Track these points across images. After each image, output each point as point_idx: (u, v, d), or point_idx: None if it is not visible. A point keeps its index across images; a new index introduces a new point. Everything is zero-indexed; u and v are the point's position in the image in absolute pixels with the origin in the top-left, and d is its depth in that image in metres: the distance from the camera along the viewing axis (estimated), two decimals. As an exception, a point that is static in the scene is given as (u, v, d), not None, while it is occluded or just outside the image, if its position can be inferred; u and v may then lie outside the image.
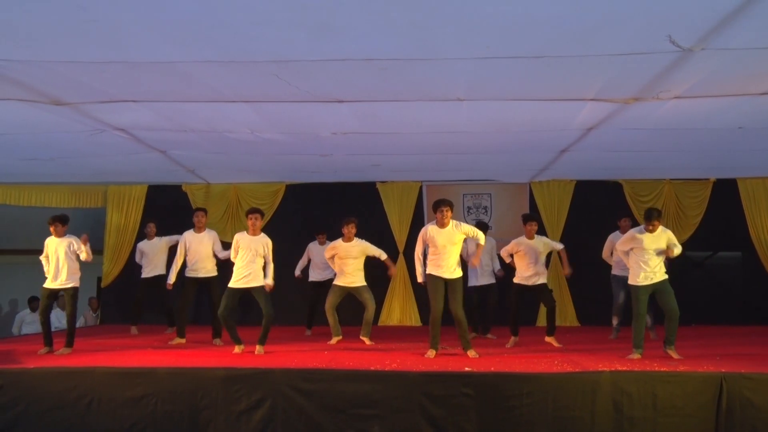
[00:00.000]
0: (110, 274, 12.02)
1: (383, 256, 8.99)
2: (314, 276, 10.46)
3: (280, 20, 4.89)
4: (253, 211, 8.05)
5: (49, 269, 7.90)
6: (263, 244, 7.96)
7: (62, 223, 8.02)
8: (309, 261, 10.56)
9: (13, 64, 5.79)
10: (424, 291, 11.32)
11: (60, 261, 7.81)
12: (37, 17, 4.84)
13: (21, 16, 4.83)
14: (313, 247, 10.45)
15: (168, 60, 5.69)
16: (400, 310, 11.84)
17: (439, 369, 6.13)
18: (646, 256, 7.09)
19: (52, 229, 7.96)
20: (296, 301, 11.40)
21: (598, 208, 11.70)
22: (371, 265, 11.90)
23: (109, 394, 5.94)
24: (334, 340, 8.71)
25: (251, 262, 7.79)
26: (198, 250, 8.88)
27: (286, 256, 12.14)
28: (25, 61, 5.75)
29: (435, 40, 5.25)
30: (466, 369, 6.03)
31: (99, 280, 12.46)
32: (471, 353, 7.04)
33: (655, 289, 7.08)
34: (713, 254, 12.24)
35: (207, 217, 9.16)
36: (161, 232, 11.42)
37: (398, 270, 11.85)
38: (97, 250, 12.07)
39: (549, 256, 9.07)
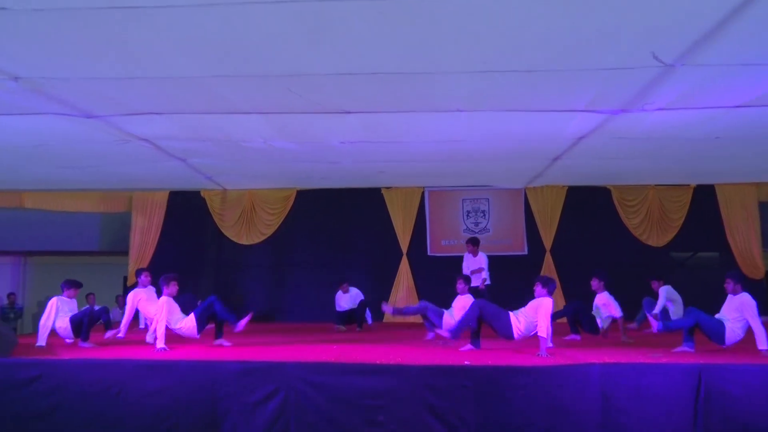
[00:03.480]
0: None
1: None
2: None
3: (292, 38, 4.90)
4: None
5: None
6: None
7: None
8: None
9: (51, 81, 5.88)
10: (425, 289, 11.46)
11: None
12: (71, 39, 4.92)
13: (58, 38, 4.92)
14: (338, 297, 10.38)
15: (188, 75, 5.72)
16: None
17: (441, 363, 6.11)
18: None
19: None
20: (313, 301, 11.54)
21: (588, 212, 11.76)
22: (376, 263, 11.98)
23: (135, 384, 5.93)
24: None
25: None
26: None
27: (299, 256, 12.23)
28: (61, 78, 5.82)
29: (436, 55, 5.26)
30: (466, 363, 6.01)
31: (125, 279, 12.49)
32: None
33: None
34: (694, 254, 12.26)
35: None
36: (182, 235, 11.48)
37: (402, 270, 11.89)
38: (123, 251, 12.18)
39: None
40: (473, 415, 5.56)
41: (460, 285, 8.19)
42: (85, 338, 7.65)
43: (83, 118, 7.04)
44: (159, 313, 7.32)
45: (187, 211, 12.34)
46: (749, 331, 6.62)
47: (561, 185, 11.87)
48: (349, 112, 6.85)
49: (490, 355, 6.58)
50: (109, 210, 12.46)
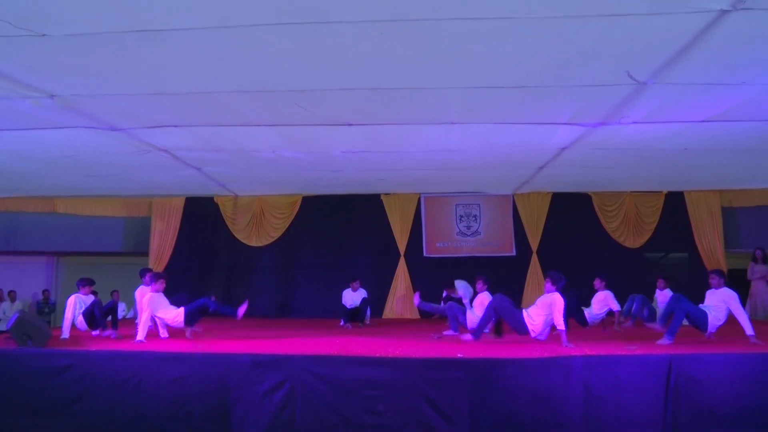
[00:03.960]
0: (155, 273, 12.02)
1: None
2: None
3: (299, 56, 4.90)
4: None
5: None
6: None
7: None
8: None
9: (81, 98, 5.91)
10: (422, 288, 11.42)
11: None
12: (100, 60, 4.96)
13: (89, 60, 4.96)
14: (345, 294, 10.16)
15: (204, 91, 5.72)
16: (401, 305, 11.76)
17: (436, 355, 6.08)
18: None
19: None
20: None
21: (571, 216, 11.78)
22: (376, 264, 11.97)
23: (153, 375, 5.92)
24: None
25: None
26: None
27: (305, 257, 12.22)
28: (90, 95, 5.86)
29: (432, 72, 5.25)
30: (459, 356, 5.98)
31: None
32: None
33: None
34: (665, 255, 12.27)
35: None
36: (197, 238, 11.43)
37: (400, 270, 11.88)
38: (144, 252, 12.17)
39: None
40: (466, 404, 5.54)
41: (480, 284, 8.23)
42: (104, 328, 7.70)
43: (109, 131, 7.05)
44: (144, 306, 7.46)
45: (201, 216, 12.33)
46: (729, 319, 6.83)
47: (546, 192, 11.85)
48: (351, 125, 6.84)
49: (481, 349, 6.55)
50: (132, 214, 12.52)
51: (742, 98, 5.87)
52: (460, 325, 7.93)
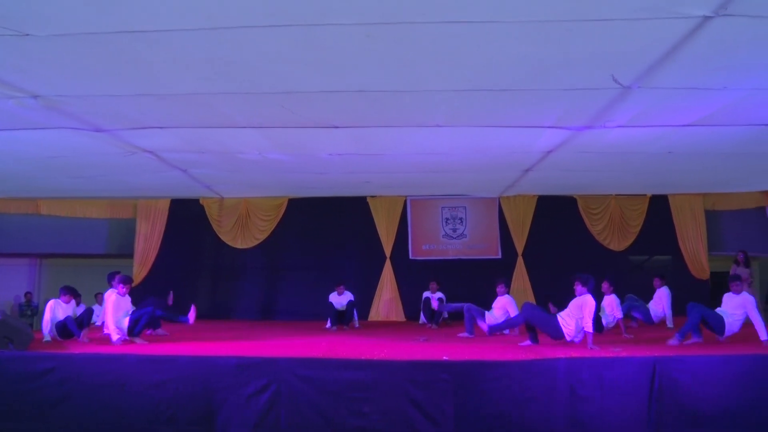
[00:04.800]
0: (139, 275, 11.88)
1: None
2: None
3: (285, 58, 4.89)
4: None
5: None
6: None
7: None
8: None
9: (66, 98, 5.85)
10: (407, 290, 11.46)
11: None
12: (85, 61, 4.91)
13: (73, 60, 4.91)
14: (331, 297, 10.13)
15: (191, 92, 5.68)
16: (387, 307, 11.75)
17: (421, 358, 6.10)
18: None
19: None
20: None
21: (557, 219, 11.84)
22: (362, 266, 11.96)
23: (137, 378, 5.89)
24: None
25: None
26: None
27: (290, 259, 12.18)
28: (75, 96, 5.80)
29: (419, 75, 5.26)
30: (444, 358, 6.00)
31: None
32: None
33: None
34: (649, 258, 12.38)
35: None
36: (183, 240, 11.34)
37: (386, 272, 11.87)
38: (128, 254, 12.07)
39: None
40: (451, 406, 5.56)
41: (500, 288, 8.58)
42: (77, 336, 7.60)
43: (93, 132, 6.98)
44: (107, 308, 7.41)
45: (187, 218, 12.25)
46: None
47: (532, 195, 11.90)
48: (337, 127, 6.82)
49: (466, 351, 6.58)
50: (116, 216, 12.38)
51: (724, 103, 5.94)
52: (476, 327, 8.11)
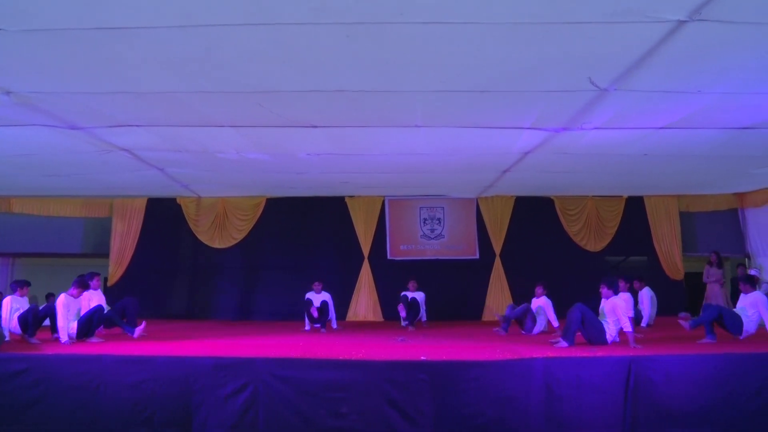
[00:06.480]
0: (115, 275, 11.77)
1: None
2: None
3: (264, 57, 4.87)
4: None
5: None
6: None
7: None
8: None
9: (40, 95, 5.77)
10: (385, 290, 11.44)
11: None
12: (60, 57, 4.85)
13: (47, 56, 4.84)
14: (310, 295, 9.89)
15: (168, 90, 5.64)
16: (365, 308, 11.74)
17: (399, 358, 6.10)
18: None
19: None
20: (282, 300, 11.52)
21: (534, 220, 11.94)
22: (340, 266, 11.94)
23: (113, 378, 5.81)
24: None
25: None
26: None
27: (268, 259, 12.12)
28: (49, 92, 5.72)
29: (397, 75, 5.27)
30: (422, 358, 6.01)
31: (105, 280, 12.20)
32: None
33: None
34: (626, 258, 12.54)
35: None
36: (159, 239, 11.20)
37: (364, 272, 11.87)
38: (104, 253, 11.91)
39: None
40: (430, 406, 5.57)
41: (539, 289, 8.88)
42: (32, 334, 7.45)
43: (68, 130, 6.89)
44: (58, 308, 7.28)
45: (163, 217, 12.13)
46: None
47: (510, 195, 11.98)
48: (315, 126, 6.82)
49: (444, 351, 6.60)
50: (92, 215, 12.21)
51: (698, 106, 6.06)
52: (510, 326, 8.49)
